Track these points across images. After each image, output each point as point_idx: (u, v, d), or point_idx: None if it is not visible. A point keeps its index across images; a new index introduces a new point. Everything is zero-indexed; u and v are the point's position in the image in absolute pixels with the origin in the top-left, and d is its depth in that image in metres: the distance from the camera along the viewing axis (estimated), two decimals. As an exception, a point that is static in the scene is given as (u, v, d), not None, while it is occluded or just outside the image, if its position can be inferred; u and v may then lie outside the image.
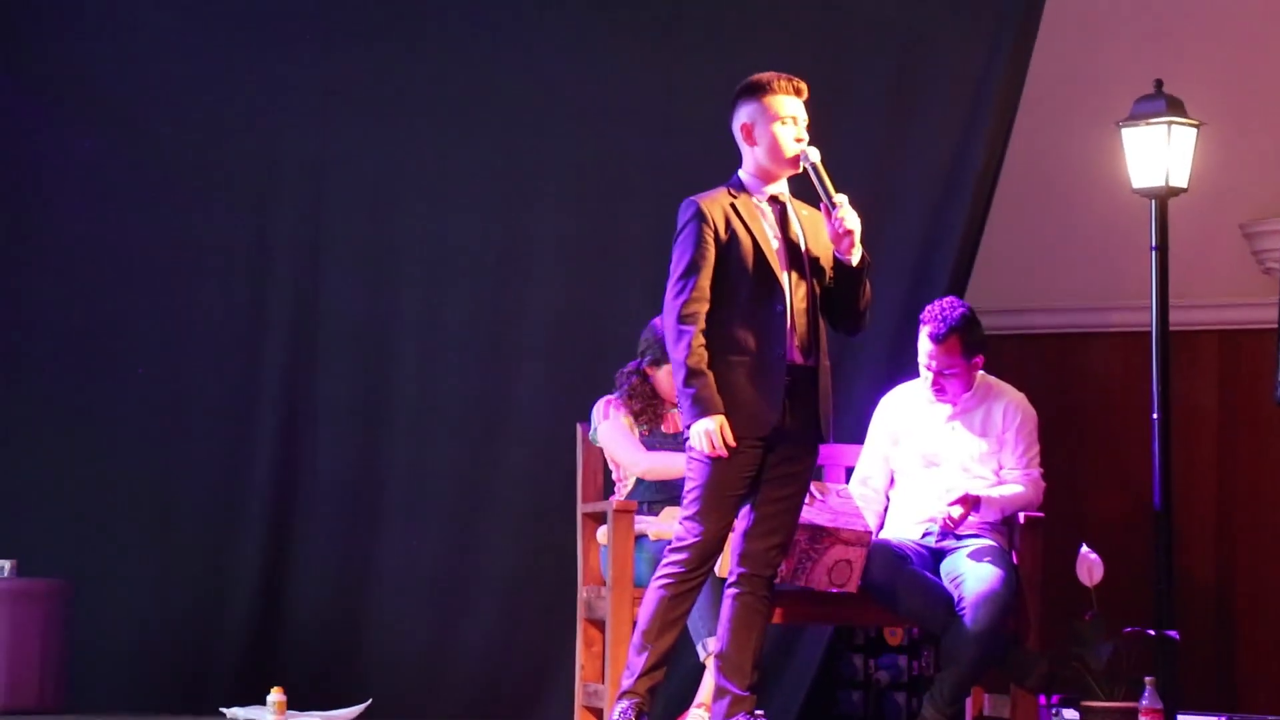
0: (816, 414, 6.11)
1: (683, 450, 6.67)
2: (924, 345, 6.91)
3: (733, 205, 6.09)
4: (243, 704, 7.96)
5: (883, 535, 6.94)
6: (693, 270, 6.02)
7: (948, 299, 7.01)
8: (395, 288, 8.52)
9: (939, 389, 6.93)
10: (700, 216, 6.05)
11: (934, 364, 6.90)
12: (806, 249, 6.13)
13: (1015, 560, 6.81)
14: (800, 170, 6.09)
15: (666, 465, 6.88)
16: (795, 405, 6.07)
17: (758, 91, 6.13)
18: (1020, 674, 6.69)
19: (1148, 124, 7.24)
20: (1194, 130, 7.27)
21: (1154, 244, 7.27)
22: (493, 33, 8.49)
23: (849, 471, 7.19)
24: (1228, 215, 8.47)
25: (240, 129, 8.58)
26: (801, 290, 6.10)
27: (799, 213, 6.19)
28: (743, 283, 6.04)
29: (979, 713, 7.07)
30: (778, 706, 7.34)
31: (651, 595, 6.09)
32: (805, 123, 6.14)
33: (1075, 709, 6.98)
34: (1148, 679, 6.60)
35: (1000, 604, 6.58)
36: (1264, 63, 8.53)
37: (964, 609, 6.58)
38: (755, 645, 6.14)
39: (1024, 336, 8.78)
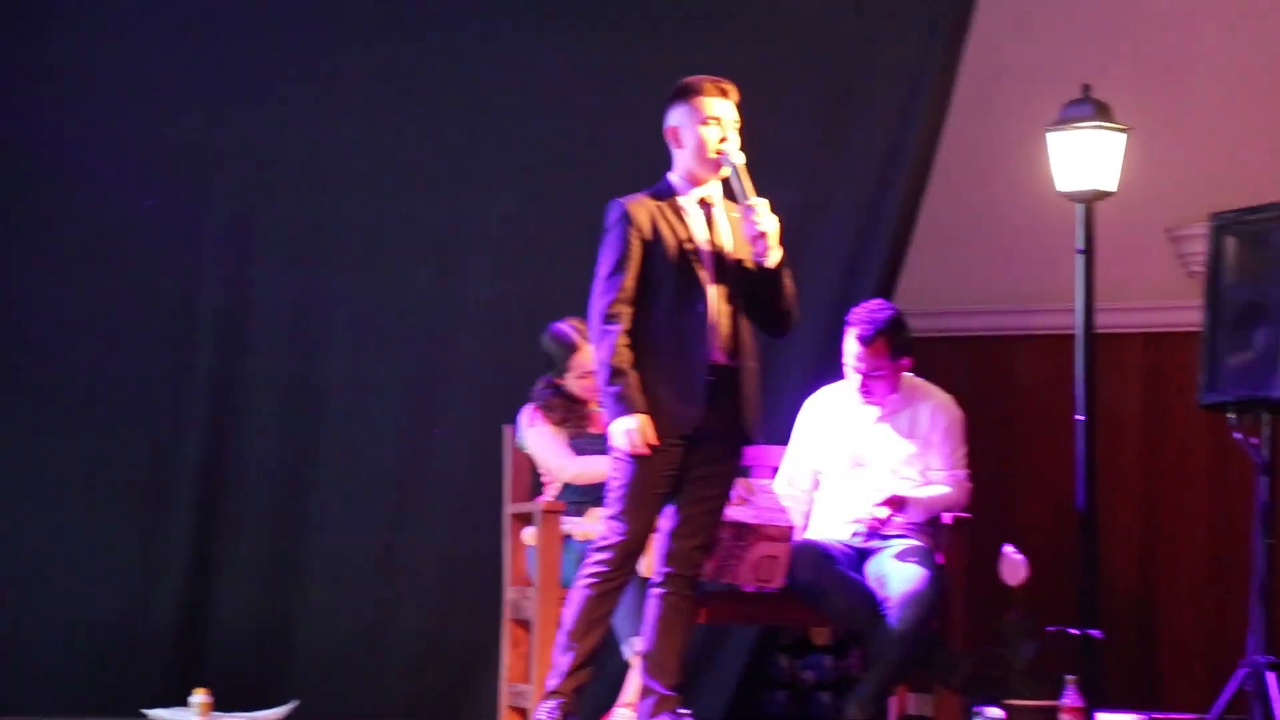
0: (740, 415, 6.13)
1: (599, 453, 6.71)
2: (851, 347, 6.94)
3: (659, 208, 6.12)
4: (166, 705, 7.92)
5: (809, 535, 6.96)
6: (617, 271, 6.05)
7: (875, 301, 7.04)
8: (328, 275, 8.47)
9: (866, 391, 6.96)
10: (625, 219, 6.09)
11: (861, 366, 6.93)
12: (732, 251, 6.14)
13: (940, 560, 6.84)
14: (724, 172, 6.12)
15: (595, 469, 6.88)
16: (718, 406, 6.09)
17: (684, 94, 6.18)
18: (944, 673, 6.73)
19: (1075, 128, 7.28)
20: (1122, 135, 7.31)
21: (1080, 247, 7.31)
22: (431, 20, 8.46)
23: (774, 472, 7.21)
24: (1154, 219, 8.52)
25: (173, 112, 8.53)
26: (725, 292, 6.12)
27: (729, 215, 6.21)
28: (666, 284, 6.08)
29: (903, 712, 7.10)
30: (704, 707, 7.35)
31: (576, 595, 6.11)
32: (735, 124, 6.17)
33: (998, 707, 7.02)
34: (1069, 677, 6.64)
35: (925, 604, 6.62)
36: (1192, 69, 8.58)
37: (889, 609, 6.62)
38: (680, 644, 6.16)
39: (952, 339, 8.81)
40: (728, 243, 6.15)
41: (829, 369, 7.27)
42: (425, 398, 8.31)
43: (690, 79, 6.18)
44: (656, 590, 6.17)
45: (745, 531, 6.57)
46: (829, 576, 6.72)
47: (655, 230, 6.09)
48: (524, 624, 6.94)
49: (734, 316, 6.14)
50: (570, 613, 6.12)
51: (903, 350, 6.95)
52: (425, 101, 8.44)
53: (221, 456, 8.44)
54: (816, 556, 6.74)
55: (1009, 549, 6.95)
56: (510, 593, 7.06)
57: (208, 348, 8.47)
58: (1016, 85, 8.58)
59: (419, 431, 8.30)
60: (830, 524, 7.00)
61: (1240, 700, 6.61)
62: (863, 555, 6.87)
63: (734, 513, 6.60)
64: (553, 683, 6.15)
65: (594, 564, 6.10)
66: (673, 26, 8.28)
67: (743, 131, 6.16)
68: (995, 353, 8.86)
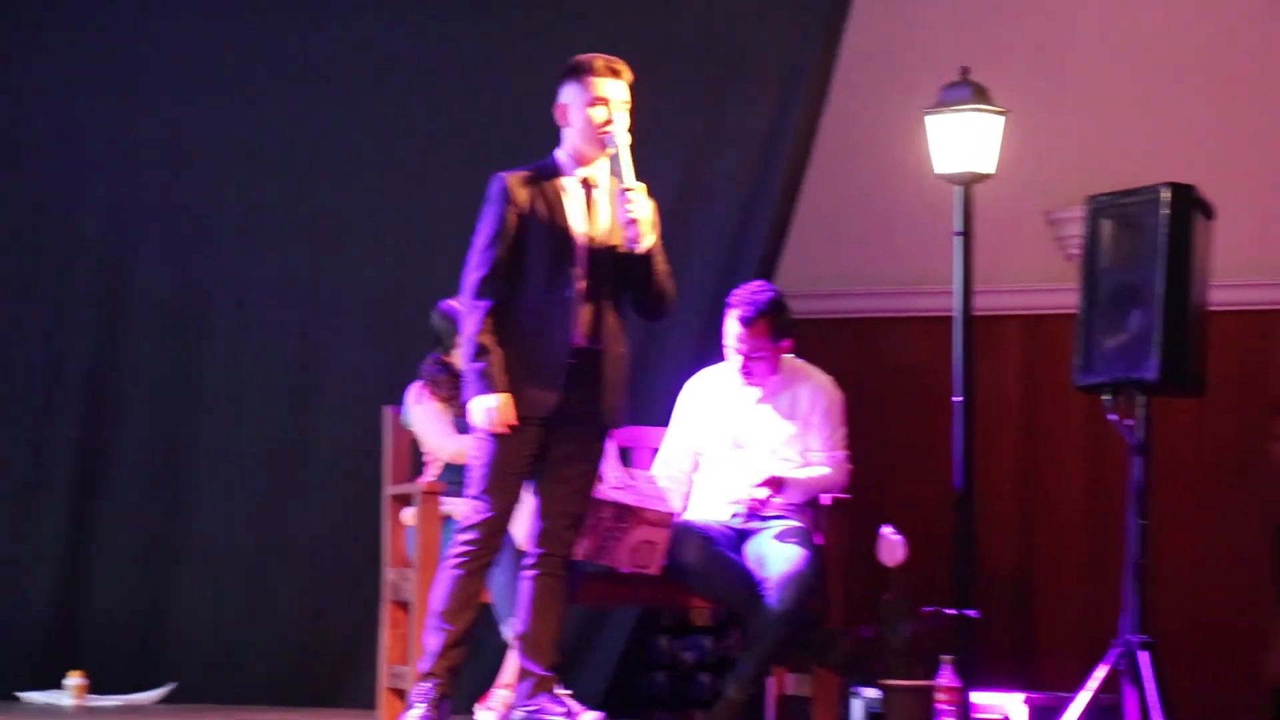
0: (600, 400, 6.13)
1: None
2: (732, 328, 6.95)
3: (540, 186, 6.10)
4: (41, 688, 7.86)
5: (689, 517, 6.97)
6: (491, 246, 6.04)
7: (756, 282, 7.06)
8: (206, 259, 8.42)
9: (747, 372, 6.97)
10: (504, 194, 6.07)
11: (742, 347, 6.93)
12: (607, 235, 6.14)
13: (819, 541, 6.87)
14: (609, 153, 6.11)
15: None
16: (578, 390, 6.08)
17: (575, 73, 6.16)
18: (822, 653, 6.75)
19: (952, 111, 7.32)
20: (999, 118, 7.35)
21: (958, 229, 7.35)
22: (306, 2, 8.42)
23: (655, 453, 7.21)
24: (1033, 202, 8.59)
25: (49, 95, 8.44)
26: (597, 275, 6.11)
27: (612, 198, 6.20)
28: (537, 263, 6.07)
29: (782, 692, 7.12)
30: (584, 688, 7.34)
31: (444, 576, 6.11)
32: (624, 105, 6.15)
33: (875, 687, 7.06)
34: (946, 657, 6.68)
35: (804, 585, 6.64)
36: (1069, 53, 8.65)
37: (768, 590, 6.63)
38: (555, 624, 6.16)
39: (833, 320, 8.84)
40: (605, 226, 6.14)
41: (710, 351, 7.29)
42: (304, 382, 8.27)
43: (583, 57, 6.16)
44: (529, 572, 6.17)
45: (626, 514, 6.57)
46: (708, 558, 6.73)
47: (532, 207, 6.08)
48: (403, 605, 6.92)
49: (602, 301, 6.12)
50: (439, 594, 6.10)
51: (783, 332, 6.97)
52: (304, 85, 8.39)
53: (98, 441, 8.38)
54: (696, 538, 6.74)
55: (887, 530, 6.98)
56: (389, 574, 7.04)
57: (83, 331, 8.39)
58: (896, 69, 8.62)
59: (298, 415, 8.25)
60: (710, 505, 7.01)
61: (1114, 679, 6.67)
62: (742, 536, 6.89)
63: (615, 494, 6.60)
64: (425, 665, 6.12)
65: (460, 544, 6.09)
66: (555, 9, 8.27)
67: (631, 113, 6.14)
68: (875, 334, 8.90)
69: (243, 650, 8.17)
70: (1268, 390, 8.39)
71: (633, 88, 6.08)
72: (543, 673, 6.14)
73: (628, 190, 6.07)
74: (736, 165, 8.03)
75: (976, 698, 7.12)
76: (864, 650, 6.85)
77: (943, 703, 6.63)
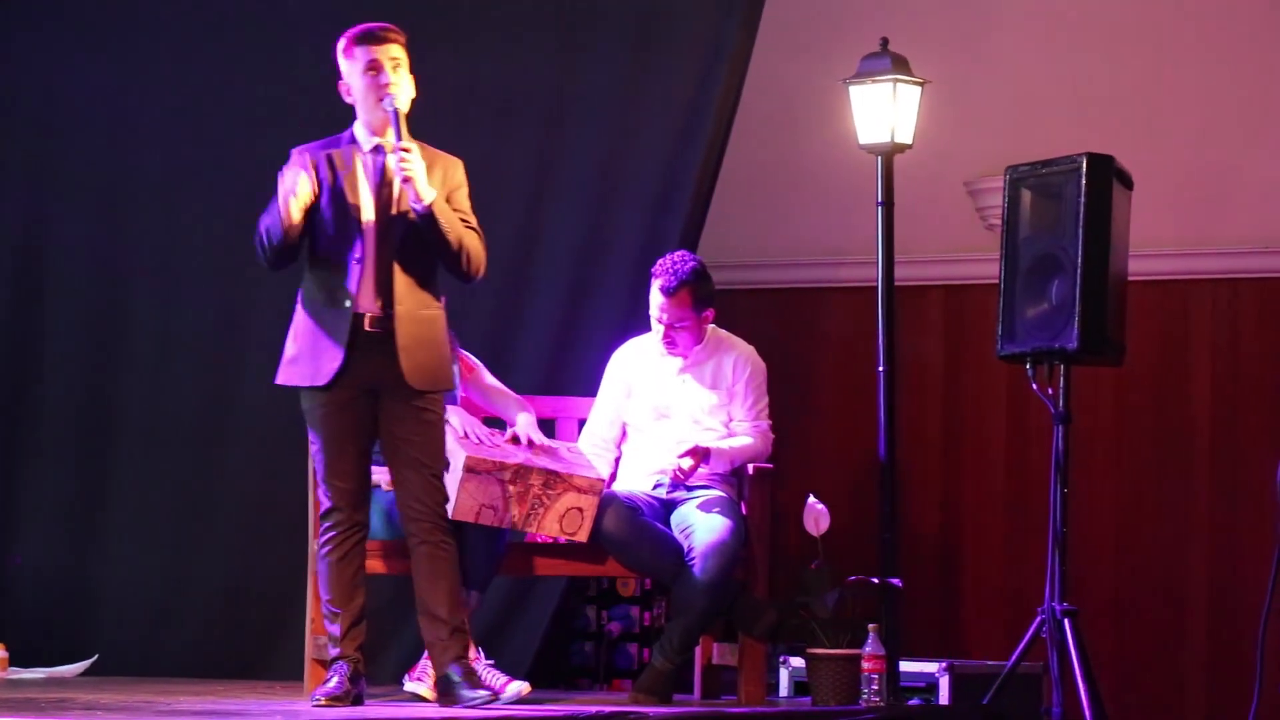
0: (398, 363, 6.13)
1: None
2: (655, 298, 6.97)
3: (328, 155, 6.18)
4: (-37, 662, 7.82)
5: (614, 487, 6.99)
6: (270, 206, 6.09)
7: (679, 252, 7.08)
8: (130, 220, 8.36)
9: (670, 342, 7.00)
10: (291, 159, 6.14)
11: (665, 316, 6.96)
12: (399, 199, 6.15)
13: (744, 511, 6.90)
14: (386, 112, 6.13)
15: None
16: (380, 355, 6.13)
17: (347, 44, 6.22)
18: (748, 623, 6.79)
19: (873, 82, 7.34)
20: (918, 88, 7.39)
21: (880, 200, 7.39)
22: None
23: (582, 424, 7.23)
24: (952, 172, 8.61)
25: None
26: (388, 241, 6.15)
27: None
28: (324, 231, 6.15)
29: (708, 661, 7.15)
30: (510, 659, 7.34)
31: (321, 566, 6.24)
32: (397, 66, 6.18)
33: (801, 656, 7.09)
34: (871, 626, 6.72)
35: (729, 554, 6.67)
36: (988, 23, 8.67)
37: (693, 559, 6.66)
38: (449, 587, 6.19)
39: (756, 291, 8.86)
40: (397, 192, 6.16)
41: (635, 321, 7.30)
42: (229, 346, 8.21)
43: (352, 29, 6.22)
44: (411, 545, 6.22)
45: (555, 480, 6.58)
46: (634, 527, 6.75)
47: (319, 177, 6.14)
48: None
49: (396, 265, 6.15)
50: (323, 584, 6.24)
51: (706, 301, 6.99)
52: (224, 41, 8.32)
53: (17, 408, 8.32)
54: (622, 508, 6.77)
55: (812, 499, 7.02)
56: (313, 544, 7.01)
57: (3, 289, 8.34)
58: (817, 40, 8.62)
59: (224, 382, 8.20)
60: (635, 475, 7.03)
61: (1038, 646, 6.73)
62: (668, 506, 6.91)
63: (544, 461, 6.62)
64: (334, 650, 6.22)
65: (324, 532, 6.22)
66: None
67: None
68: (799, 305, 8.92)
69: (167, 621, 8.13)
70: (1187, 360, 8.46)
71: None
72: (445, 639, 6.17)
73: (402, 149, 6.08)
74: (658, 137, 8.02)
75: (902, 666, 7.17)
76: (789, 619, 6.89)
77: (869, 671, 6.67)
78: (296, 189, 6.04)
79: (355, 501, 6.22)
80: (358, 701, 6.19)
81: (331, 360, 6.10)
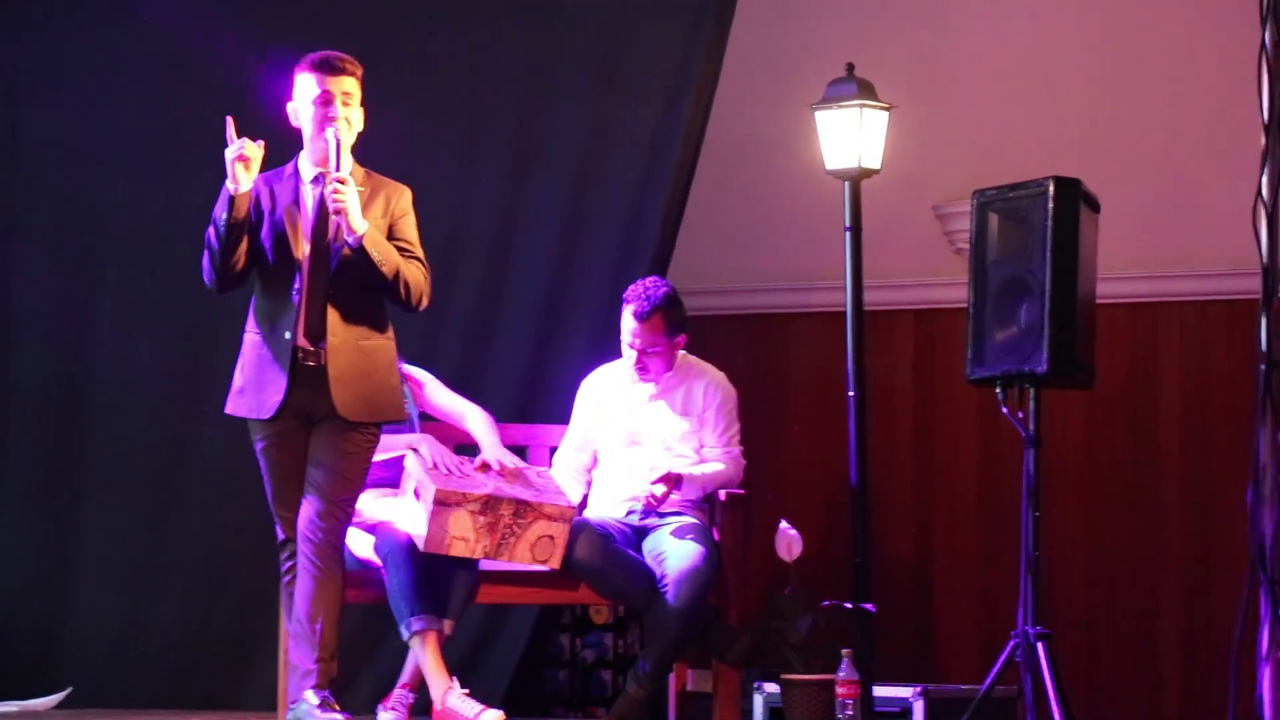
0: (328, 394, 6.11)
1: (401, 429, 6.68)
2: (627, 324, 6.98)
3: (270, 187, 6.16)
4: (-63, 697, 7.80)
5: (586, 514, 6.98)
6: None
7: (651, 278, 7.09)
8: (92, 256, 8.34)
9: (641, 367, 7.00)
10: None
11: (637, 342, 6.96)
12: (336, 230, 6.12)
13: (717, 537, 6.90)
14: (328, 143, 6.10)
15: (381, 443, 6.82)
16: (311, 386, 6.12)
17: (302, 70, 6.19)
18: (721, 649, 6.78)
19: (840, 107, 7.35)
20: (885, 113, 7.40)
21: (847, 225, 7.39)
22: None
23: (554, 451, 7.23)
24: (920, 197, 8.63)
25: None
26: (326, 272, 6.12)
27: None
28: (265, 262, 6.14)
29: (682, 688, 7.15)
30: (484, 687, 7.33)
31: (284, 596, 6.25)
32: (348, 99, 6.16)
33: (775, 682, 7.09)
34: (845, 651, 6.72)
35: (701, 580, 6.67)
36: (954, 48, 8.70)
37: (666, 586, 6.66)
38: (326, 616, 6.13)
39: (727, 317, 8.87)
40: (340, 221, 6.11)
41: (606, 348, 7.30)
42: (190, 381, 8.18)
43: (307, 56, 6.19)
44: (299, 565, 6.18)
45: (525, 509, 6.58)
46: (607, 555, 6.75)
47: (259, 207, 6.12)
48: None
49: (333, 296, 6.13)
50: (285, 612, 6.25)
51: (678, 327, 7.00)
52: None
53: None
54: (594, 535, 6.76)
55: (784, 525, 7.02)
56: (286, 576, 7.00)
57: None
58: (783, 66, 8.64)
59: (191, 408, 8.16)
60: (607, 502, 7.03)
61: (1012, 670, 6.72)
62: (640, 533, 6.91)
63: (514, 490, 6.61)
64: (310, 680, 6.11)
65: (282, 562, 6.25)
66: (444, 11, 8.25)
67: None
68: (769, 331, 8.93)
69: (138, 652, 8.10)
70: (1156, 382, 8.48)
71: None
72: (311, 665, 6.11)
73: (336, 180, 6.05)
74: (626, 163, 8.04)
75: (876, 690, 7.16)
76: (762, 645, 6.88)
77: (843, 696, 6.67)
78: (245, 152, 5.97)
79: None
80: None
81: (275, 394, 6.10)
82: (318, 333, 6.11)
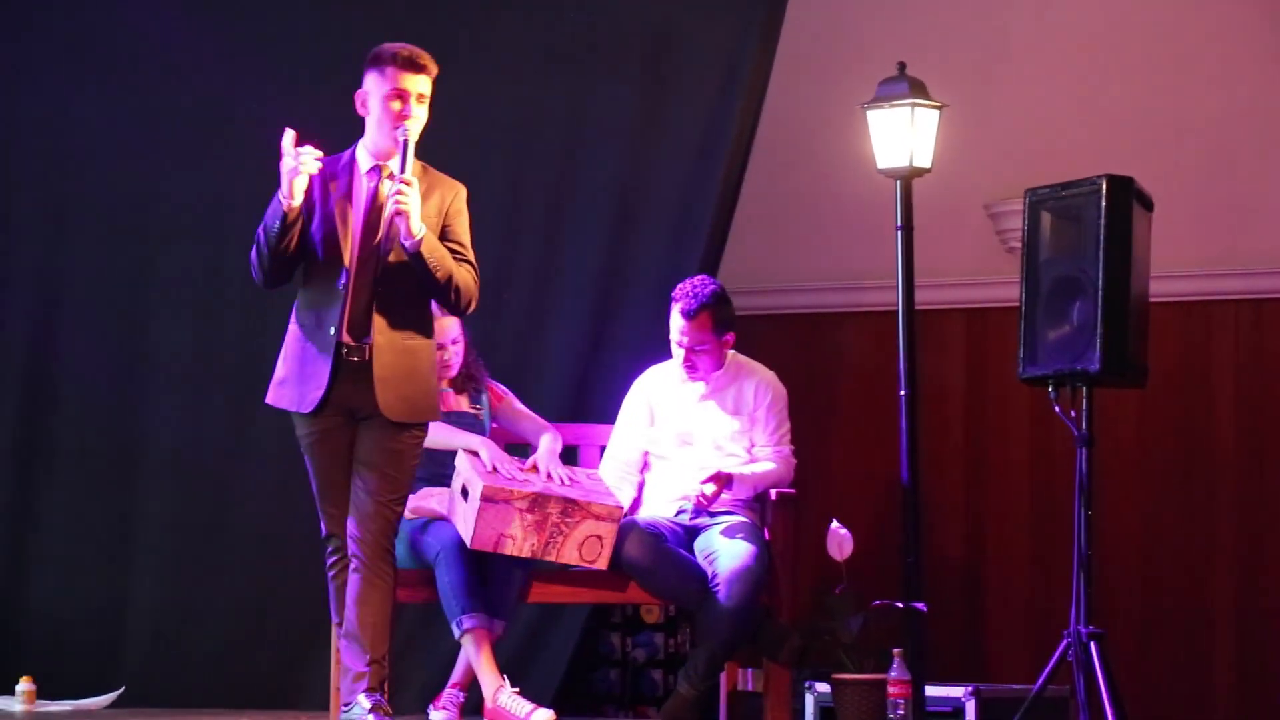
0: (373, 392, 6.06)
1: (462, 426, 6.68)
2: (675, 322, 6.97)
3: (323, 177, 6.07)
4: (-7, 695, 7.84)
5: (638, 514, 6.99)
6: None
7: (699, 277, 7.08)
8: (143, 243, 8.37)
9: (690, 366, 7.00)
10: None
11: (685, 340, 6.96)
12: (389, 227, 6.07)
13: (768, 536, 6.89)
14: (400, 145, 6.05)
15: (444, 438, 6.82)
16: (357, 383, 6.06)
17: (377, 63, 6.11)
18: (773, 648, 6.77)
19: (891, 106, 7.34)
20: (936, 112, 7.38)
21: (899, 224, 7.38)
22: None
23: (603, 450, 7.23)
24: (972, 196, 8.62)
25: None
26: (376, 268, 6.07)
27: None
28: (314, 255, 6.07)
29: (733, 687, 7.15)
30: (535, 686, 7.35)
31: (331, 590, 6.20)
32: (421, 100, 6.09)
33: (826, 682, 7.08)
34: (896, 650, 6.71)
35: (753, 580, 6.66)
36: (1005, 47, 8.68)
37: (717, 585, 6.65)
38: (374, 618, 6.09)
39: (777, 316, 8.87)
40: (386, 218, 6.07)
41: (656, 347, 7.30)
42: (249, 372, 8.17)
43: (387, 47, 6.09)
44: (351, 567, 6.14)
45: (572, 508, 6.58)
46: (658, 554, 6.75)
47: (311, 197, 6.05)
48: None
49: (380, 293, 6.08)
50: (333, 606, 6.19)
51: (726, 325, 7.00)
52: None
53: (36, 437, 8.32)
54: (645, 535, 6.76)
55: (835, 524, 7.01)
56: (335, 574, 7.02)
57: (18, 316, 8.35)
58: (833, 64, 8.64)
59: (245, 405, 8.18)
60: (658, 502, 7.03)
61: (1064, 670, 6.71)
62: (691, 533, 6.91)
63: (562, 490, 6.62)
64: (363, 682, 6.07)
65: (327, 557, 6.20)
66: (500, 3, 8.26)
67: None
68: (820, 330, 8.93)
69: (192, 652, 8.13)
70: (1209, 380, 8.45)
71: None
72: (361, 668, 6.08)
73: (401, 182, 5.99)
74: (676, 163, 8.04)
75: (928, 690, 7.15)
76: (814, 644, 6.88)
77: (894, 696, 6.66)
78: (300, 164, 5.93)
79: (342, 528, 6.14)
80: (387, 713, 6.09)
81: (316, 388, 6.04)
82: (362, 329, 6.05)
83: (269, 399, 6.19)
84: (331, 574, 6.19)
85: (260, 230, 6.03)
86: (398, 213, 5.98)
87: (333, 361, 6.04)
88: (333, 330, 6.03)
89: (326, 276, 6.07)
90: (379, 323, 6.06)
